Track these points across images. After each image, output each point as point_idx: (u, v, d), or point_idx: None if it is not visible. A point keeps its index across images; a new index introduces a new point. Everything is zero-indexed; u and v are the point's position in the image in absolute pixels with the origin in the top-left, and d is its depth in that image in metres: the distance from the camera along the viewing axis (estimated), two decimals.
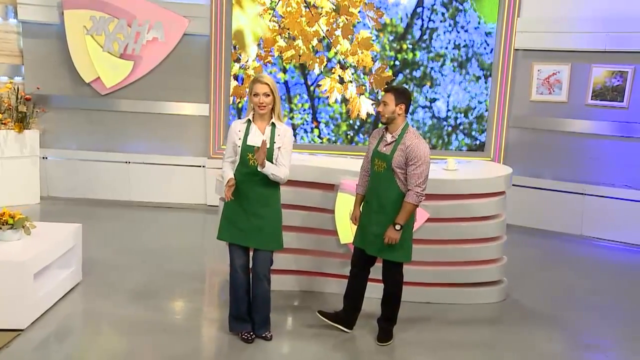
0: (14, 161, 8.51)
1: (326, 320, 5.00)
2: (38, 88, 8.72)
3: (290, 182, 5.59)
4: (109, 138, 9.06)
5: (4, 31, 8.79)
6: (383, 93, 4.72)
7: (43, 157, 8.91)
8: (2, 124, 8.36)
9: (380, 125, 5.23)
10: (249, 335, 4.78)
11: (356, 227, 4.93)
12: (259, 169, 4.48)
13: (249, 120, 4.65)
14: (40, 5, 8.67)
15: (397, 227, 4.59)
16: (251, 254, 4.75)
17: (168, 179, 9.04)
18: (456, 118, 8.98)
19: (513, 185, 8.47)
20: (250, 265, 4.75)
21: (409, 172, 4.57)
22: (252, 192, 4.61)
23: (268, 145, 4.53)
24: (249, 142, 4.57)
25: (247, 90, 4.67)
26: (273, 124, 4.63)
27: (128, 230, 7.81)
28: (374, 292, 5.14)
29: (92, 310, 5.33)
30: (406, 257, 4.78)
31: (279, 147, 4.59)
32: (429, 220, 5.58)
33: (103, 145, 9.06)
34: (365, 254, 4.84)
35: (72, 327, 5.03)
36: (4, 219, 5.06)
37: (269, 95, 4.56)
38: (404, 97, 4.65)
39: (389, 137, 4.69)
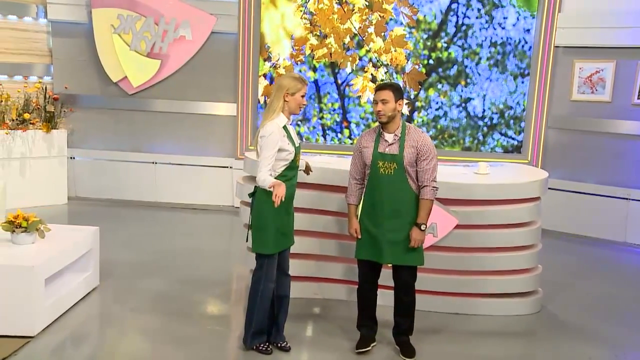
0: (42, 161, 8.50)
1: (365, 349, 4.66)
2: (66, 87, 8.70)
3: (313, 186, 5.41)
4: (135, 138, 8.99)
5: (34, 31, 8.80)
6: (375, 91, 4.45)
7: (71, 157, 8.88)
8: (30, 123, 8.33)
9: (372, 125, 4.87)
10: (266, 346, 4.55)
11: (358, 239, 4.59)
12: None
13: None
14: (70, 4, 8.65)
15: (423, 227, 4.41)
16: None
17: (195, 180, 8.91)
18: (492, 118, 8.61)
19: (552, 189, 8.14)
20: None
21: (421, 167, 4.38)
22: (294, 193, 4.48)
23: (298, 144, 4.50)
24: (297, 144, 4.41)
25: (287, 89, 4.31)
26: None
27: (153, 232, 7.70)
28: (380, 300, 4.88)
29: (107, 317, 5.20)
30: (422, 260, 4.55)
31: None
32: (458, 227, 5.28)
33: (130, 145, 9.00)
34: (374, 266, 4.59)
35: (85, 334, 4.87)
36: (17, 221, 4.95)
37: None
38: (400, 93, 4.44)
39: (390, 137, 4.43)
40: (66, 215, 8.30)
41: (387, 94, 4.38)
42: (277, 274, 4.49)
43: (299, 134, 8.82)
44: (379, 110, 4.39)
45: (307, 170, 4.77)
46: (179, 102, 8.85)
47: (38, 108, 8.45)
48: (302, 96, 4.34)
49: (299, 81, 4.33)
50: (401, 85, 4.67)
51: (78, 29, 8.74)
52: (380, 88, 4.45)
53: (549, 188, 8.06)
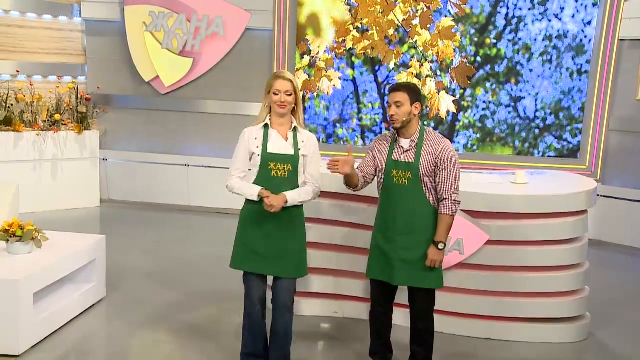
0: (74, 163, 8.36)
1: None
2: (98, 87, 8.53)
3: (331, 195, 4.95)
4: (168, 139, 8.74)
5: (69, 30, 8.67)
6: (389, 93, 3.96)
7: (103, 159, 8.69)
8: (62, 124, 8.18)
9: (386, 131, 4.32)
10: None
11: (370, 256, 4.12)
12: (277, 208, 3.84)
13: (266, 124, 3.97)
14: (103, 1, 8.48)
15: (441, 246, 3.88)
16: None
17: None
18: (545, 119, 7.88)
19: (612, 197, 7.39)
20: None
21: (440, 178, 3.87)
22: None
23: (293, 153, 3.91)
24: (270, 150, 3.90)
25: (265, 88, 3.95)
26: (295, 129, 3.97)
27: (180, 237, 7.40)
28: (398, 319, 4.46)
29: (107, 333, 4.85)
30: (440, 282, 4.02)
31: (304, 155, 3.95)
32: (490, 243, 4.70)
33: (162, 147, 8.75)
34: (387, 286, 4.07)
35: (78, 353, 4.50)
36: (12, 230, 4.68)
37: (290, 94, 3.90)
38: (418, 94, 3.96)
39: (405, 143, 3.93)
40: (98, 219, 8.12)
41: (402, 96, 3.89)
42: (274, 306, 4.06)
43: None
44: (392, 115, 3.91)
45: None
46: (212, 102, 8.54)
47: (70, 109, 8.30)
48: (275, 93, 3.89)
49: (272, 77, 3.93)
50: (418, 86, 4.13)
51: (111, 27, 8.56)
52: (393, 89, 3.96)
53: (609, 197, 7.40)
